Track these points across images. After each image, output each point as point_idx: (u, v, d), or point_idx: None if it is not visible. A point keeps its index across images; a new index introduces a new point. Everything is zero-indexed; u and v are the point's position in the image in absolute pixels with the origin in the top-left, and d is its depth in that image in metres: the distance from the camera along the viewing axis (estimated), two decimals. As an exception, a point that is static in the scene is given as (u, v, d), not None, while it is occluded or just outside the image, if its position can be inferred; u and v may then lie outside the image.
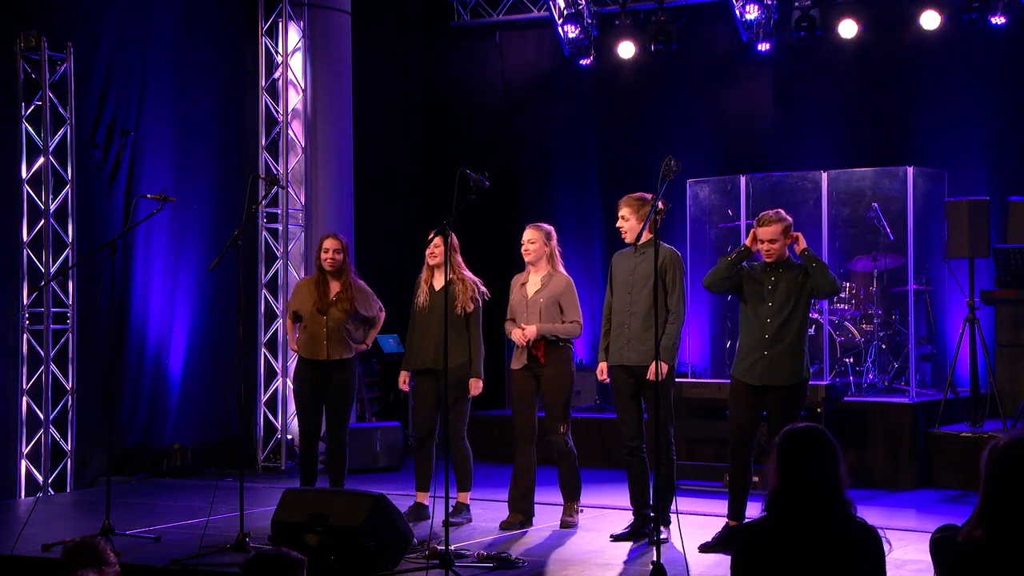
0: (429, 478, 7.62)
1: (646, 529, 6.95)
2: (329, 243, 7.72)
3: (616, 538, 6.99)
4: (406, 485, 8.49)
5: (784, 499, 3.30)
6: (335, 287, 7.69)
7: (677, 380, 9.50)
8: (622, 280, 7.02)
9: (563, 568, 6.34)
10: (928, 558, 3.37)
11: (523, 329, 7.29)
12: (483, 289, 7.63)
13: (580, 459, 7.48)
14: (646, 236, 6.86)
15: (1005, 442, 3.12)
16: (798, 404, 6.63)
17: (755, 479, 8.44)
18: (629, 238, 6.96)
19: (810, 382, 6.78)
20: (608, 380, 7.13)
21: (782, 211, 6.80)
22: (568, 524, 7.32)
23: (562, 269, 7.47)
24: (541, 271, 7.40)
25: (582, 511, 7.49)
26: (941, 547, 3.17)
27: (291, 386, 10.22)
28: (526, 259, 7.40)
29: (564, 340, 7.33)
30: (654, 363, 6.58)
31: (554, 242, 7.44)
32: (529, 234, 7.41)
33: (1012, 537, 3.02)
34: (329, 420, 7.75)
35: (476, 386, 7.50)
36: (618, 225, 7.02)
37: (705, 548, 6.55)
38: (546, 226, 7.47)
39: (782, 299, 6.60)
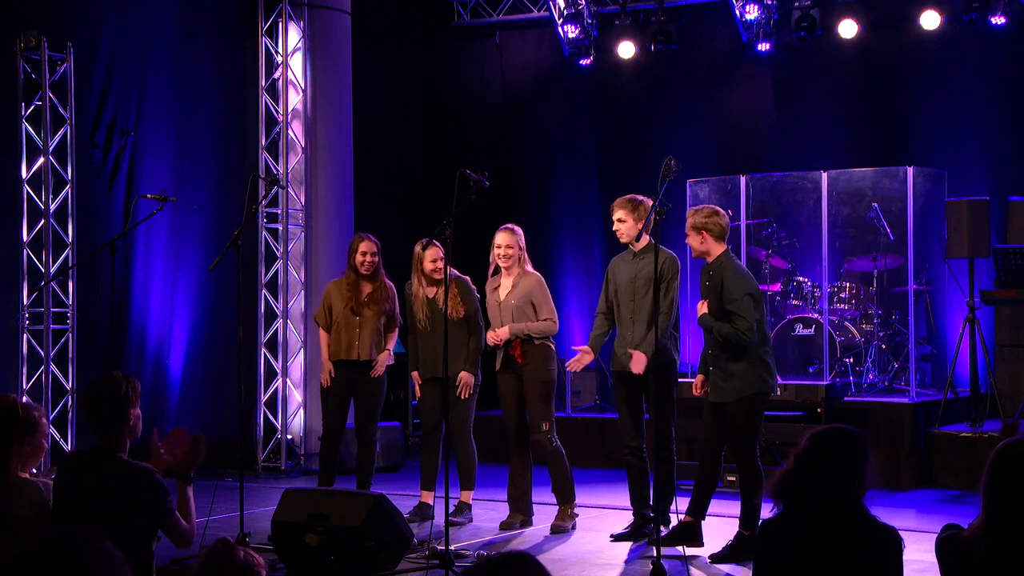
0: (434, 477, 7.61)
1: (646, 529, 6.94)
2: (365, 246, 7.69)
3: (616, 538, 6.99)
4: (406, 485, 8.50)
5: (792, 497, 3.32)
6: (367, 287, 7.70)
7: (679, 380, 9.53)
8: (623, 286, 7.00)
9: (563, 568, 6.34)
10: (930, 558, 3.37)
11: (495, 331, 7.32)
12: (473, 287, 7.64)
13: (580, 459, 7.49)
14: (645, 239, 6.87)
15: (1007, 443, 3.13)
16: (745, 419, 6.46)
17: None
18: (626, 239, 6.96)
19: (771, 391, 6.60)
20: (582, 358, 7.09)
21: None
22: (560, 529, 7.22)
23: (530, 268, 7.45)
24: (512, 273, 7.39)
25: (578, 514, 7.44)
26: (946, 545, 3.17)
27: (291, 385, 10.25)
28: (504, 264, 7.36)
29: (540, 338, 7.31)
30: (635, 355, 6.68)
31: (524, 243, 7.43)
32: (506, 238, 7.36)
33: (1015, 537, 3.02)
34: (360, 419, 7.76)
35: (463, 379, 7.45)
36: (615, 228, 7.00)
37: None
38: (517, 228, 7.45)
39: (713, 306, 6.47)
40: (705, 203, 10.64)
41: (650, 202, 6.80)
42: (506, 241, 7.36)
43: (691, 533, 6.59)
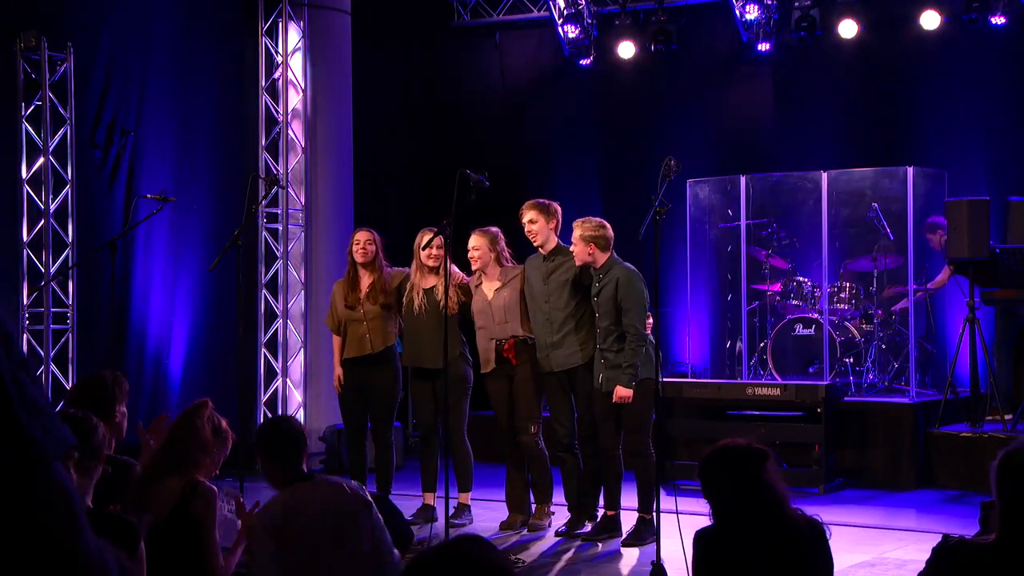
0: (435, 478, 7.62)
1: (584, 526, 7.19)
2: (361, 235, 7.76)
3: (558, 534, 7.20)
4: (406, 485, 8.50)
5: (721, 511, 3.54)
6: (367, 279, 7.69)
7: (676, 380, 9.55)
8: (537, 290, 7.22)
9: (563, 567, 6.34)
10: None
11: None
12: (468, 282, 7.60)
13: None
14: (553, 241, 7.18)
15: (1007, 451, 3.11)
16: (638, 404, 6.83)
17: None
18: (538, 241, 7.17)
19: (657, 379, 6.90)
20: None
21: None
22: (537, 527, 7.31)
23: (511, 264, 7.48)
24: (493, 274, 7.39)
25: (554, 513, 7.48)
26: (949, 554, 3.14)
27: (291, 385, 10.25)
28: (473, 267, 7.42)
29: (532, 339, 7.32)
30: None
31: (502, 244, 7.45)
32: (473, 240, 7.40)
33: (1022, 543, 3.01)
34: (373, 420, 7.79)
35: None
36: (527, 230, 7.19)
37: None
38: (493, 229, 7.47)
39: (605, 307, 6.91)
40: (705, 203, 10.74)
41: (559, 208, 7.25)
42: (474, 243, 7.40)
43: (612, 526, 7.03)
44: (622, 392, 6.78)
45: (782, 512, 3.43)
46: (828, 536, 3.50)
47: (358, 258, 7.69)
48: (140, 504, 4.18)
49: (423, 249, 7.46)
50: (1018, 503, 3.02)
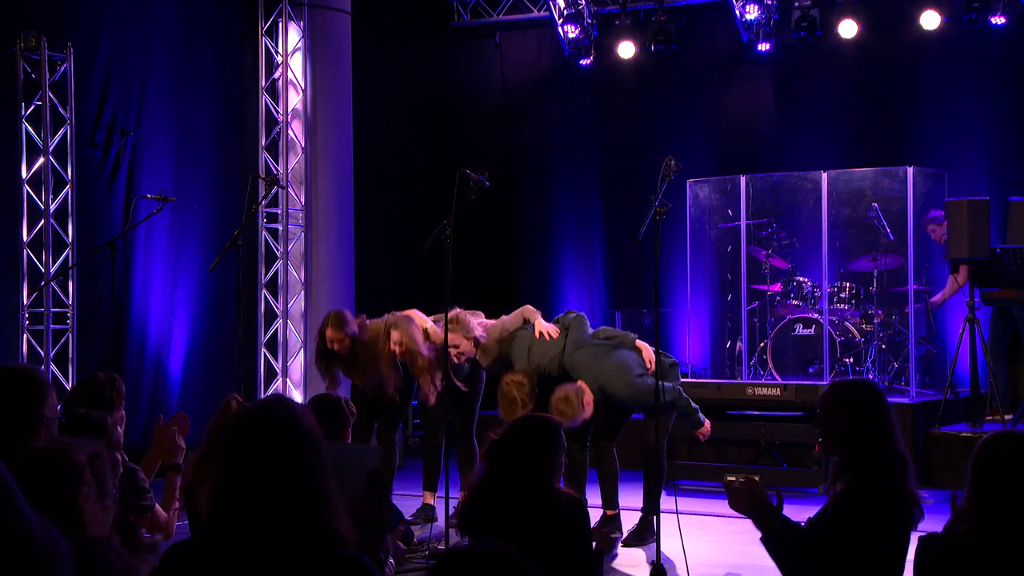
0: (436, 477, 7.59)
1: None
2: (329, 332, 7.20)
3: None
4: (406, 485, 8.50)
5: (491, 473, 3.80)
6: (385, 371, 7.39)
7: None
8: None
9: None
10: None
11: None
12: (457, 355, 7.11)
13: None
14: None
15: (989, 438, 3.13)
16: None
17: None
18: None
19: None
20: None
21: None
22: None
23: (483, 333, 7.05)
24: (486, 352, 7.13)
25: None
26: (932, 552, 3.15)
27: (291, 385, 10.25)
28: (457, 362, 7.09)
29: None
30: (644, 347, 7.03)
31: (473, 325, 7.02)
32: (450, 339, 6.73)
33: (1000, 533, 3.01)
34: (381, 423, 7.76)
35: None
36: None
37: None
38: (461, 318, 6.95)
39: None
40: (705, 203, 10.74)
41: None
42: (451, 342, 6.80)
43: (612, 524, 7.05)
44: (706, 430, 7.05)
45: (546, 487, 3.69)
46: (587, 513, 3.80)
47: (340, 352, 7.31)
48: (190, 502, 4.17)
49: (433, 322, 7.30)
50: (991, 493, 3.03)
